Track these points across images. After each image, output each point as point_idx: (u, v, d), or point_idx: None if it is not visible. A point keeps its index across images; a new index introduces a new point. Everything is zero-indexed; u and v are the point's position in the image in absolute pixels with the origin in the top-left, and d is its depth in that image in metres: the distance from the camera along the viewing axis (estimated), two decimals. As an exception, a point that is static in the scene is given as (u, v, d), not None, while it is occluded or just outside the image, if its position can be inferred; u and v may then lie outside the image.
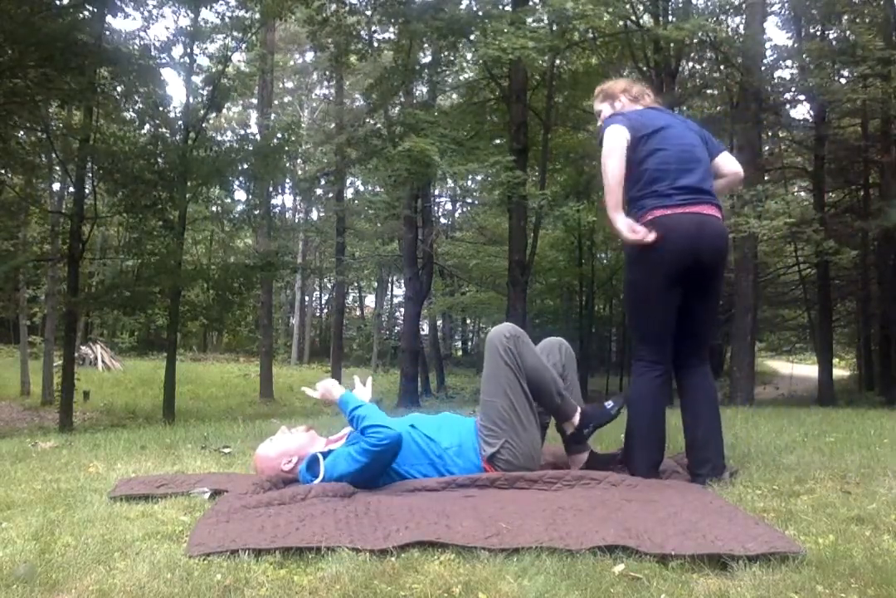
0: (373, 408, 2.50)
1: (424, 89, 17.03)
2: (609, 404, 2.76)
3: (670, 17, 13.33)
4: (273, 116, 21.21)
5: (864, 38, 10.99)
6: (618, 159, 2.49)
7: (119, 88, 12.03)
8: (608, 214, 2.53)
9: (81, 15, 10.96)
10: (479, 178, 16.00)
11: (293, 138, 13.76)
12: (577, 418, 2.69)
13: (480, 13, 12.55)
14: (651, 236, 2.47)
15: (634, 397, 2.64)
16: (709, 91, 15.68)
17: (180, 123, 12.75)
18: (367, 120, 15.62)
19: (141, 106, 12.35)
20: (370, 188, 21.16)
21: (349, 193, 20.49)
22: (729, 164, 2.76)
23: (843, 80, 12.94)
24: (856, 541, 1.84)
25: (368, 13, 13.53)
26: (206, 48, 13.22)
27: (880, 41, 11.11)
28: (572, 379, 2.86)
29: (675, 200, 2.51)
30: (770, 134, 16.63)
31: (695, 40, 12.28)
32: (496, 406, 2.56)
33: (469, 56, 13.61)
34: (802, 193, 18.52)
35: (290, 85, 31.48)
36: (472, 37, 12.12)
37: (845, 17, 13.49)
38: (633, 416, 2.63)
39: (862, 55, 10.93)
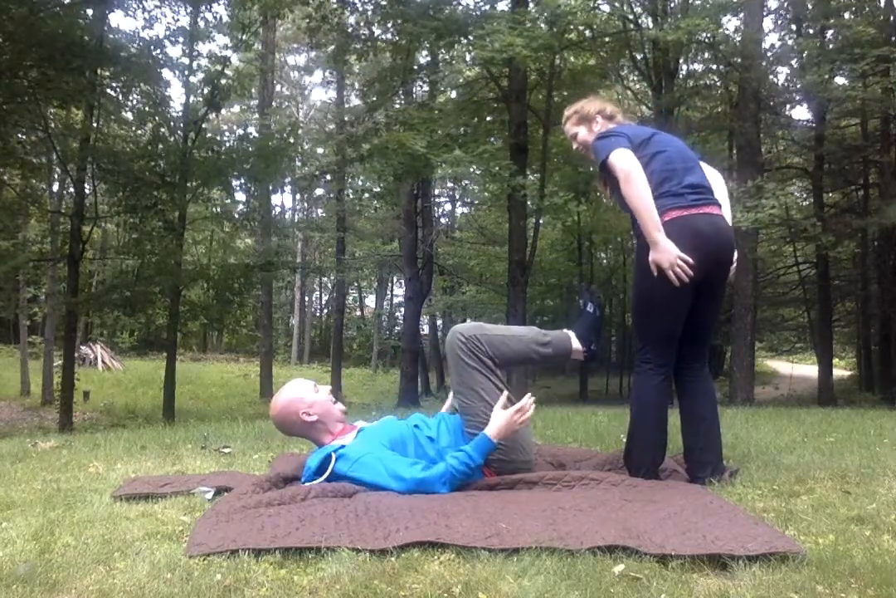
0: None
1: (424, 88, 17.05)
2: (589, 307, 2.85)
3: (669, 18, 13.32)
4: (275, 118, 21.22)
5: (856, 30, 10.92)
6: (640, 181, 2.44)
7: (119, 88, 12.02)
8: (648, 237, 2.45)
9: (81, 14, 10.95)
10: (477, 173, 15.99)
11: (292, 139, 13.77)
12: (578, 345, 2.77)
13: (478, 14, 12.56)
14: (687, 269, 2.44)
15: (639, 400, 2.63)
16: (708, 91, 15.67)
17: (181, 123, 12.75)
18: (367, 118, 15.62)
19: (141, 106, 12.35)
20: (367, 184, 21.21)
21: (349, 192, 20.45)
22: (709, 171, 2.76)
23: (840, 80, 12.90)
24: (856, 541, 1.84)
25: (368, 13, 13.53)
26: (199, 52, 13.21)
27: (873, 29, 11.04)
28: None
29: (688, 200, 2.51)
30: (769, 134, 16.62)
31: (693, 40, 12.27)
32: (475, 411, 2.57)
33: (467, 56, 13.63)
34: (796, 191, 18.53)
35: (288, 85, 31.50)
36: (469, 37, 12.14)
37: (845, 15, 13.48)
38: (637, 419, 2.62)
39: (861, 52, 10.89)
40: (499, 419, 2.45)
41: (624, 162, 2.45)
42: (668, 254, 2.42)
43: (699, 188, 2.55)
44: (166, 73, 12.35)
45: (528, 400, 2.47)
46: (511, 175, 11.52)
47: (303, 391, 2.62)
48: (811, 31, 14.68)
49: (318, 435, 2.60)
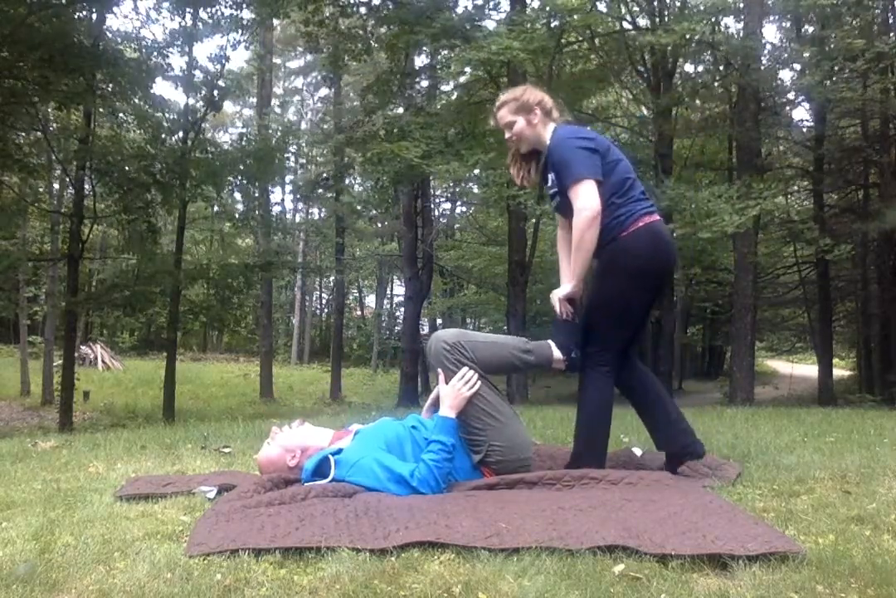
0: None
1: (423, 87, 17.02)
2: (567, 315, 2.89)
3: (666, 19, 13.30)
4: (273, 117, 21.21)
5: (852, 42, 10.87)
6: (598, 228, 2.49)
7: (116, 90, 12.00)
8: (568, 278, 2.60)
9: (78, 15, 10.93)
10: (478, 176, 15.99)
11: (290, 138, 13.79)
12: (558, 354, 2.77)
13: (477, 18, 12.55)
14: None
15: (599, 401, 2.65)
16: (707, 91, 15.66)
17: (179, 124, 12.73)
18: (366, 119, 15.62)
19: (138, 108, 12.32)
20: (364, 188, 21.32)
21: (347, 194, 20.50)
22: None
23: (841, 81, 12.86)
24: (856, 541, 1.84)
25: (364, 18, 13.54)
26: (197, 58, 13.22)
27: (864, 40, 11.00)
28: None
29: (649, 206, 2.63)
30: (769, 134, 16.59)
31: (693, 41, 12.24)
32: (468, 416, 2.57)
33: (465, 58, 13.64)
34: (796, 192, 18.53)
35: (287, 85, 31.51)
36: (467, 39, 12.12)
37: (846, 17, 13.44)
38: (598, 417, 2.65)
39: (861, 48, 10.83)
40: (444, 395, 2.53)
41: (595, 201, 2.48)
42: (563, 297, 2.62)
43: (647, 196, 2.68)
44: (165, 76, 12.32)
45: (466, 370, 2.55)
46: (505, 184, 11.48)
47: (269, 456, 2.63)
48: (811, 30, 14.65)
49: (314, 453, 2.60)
